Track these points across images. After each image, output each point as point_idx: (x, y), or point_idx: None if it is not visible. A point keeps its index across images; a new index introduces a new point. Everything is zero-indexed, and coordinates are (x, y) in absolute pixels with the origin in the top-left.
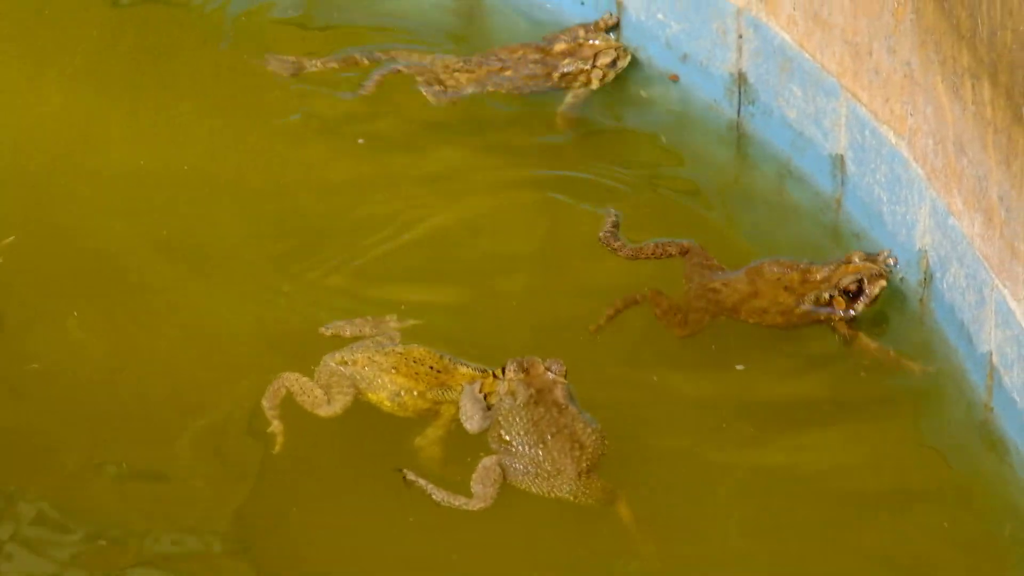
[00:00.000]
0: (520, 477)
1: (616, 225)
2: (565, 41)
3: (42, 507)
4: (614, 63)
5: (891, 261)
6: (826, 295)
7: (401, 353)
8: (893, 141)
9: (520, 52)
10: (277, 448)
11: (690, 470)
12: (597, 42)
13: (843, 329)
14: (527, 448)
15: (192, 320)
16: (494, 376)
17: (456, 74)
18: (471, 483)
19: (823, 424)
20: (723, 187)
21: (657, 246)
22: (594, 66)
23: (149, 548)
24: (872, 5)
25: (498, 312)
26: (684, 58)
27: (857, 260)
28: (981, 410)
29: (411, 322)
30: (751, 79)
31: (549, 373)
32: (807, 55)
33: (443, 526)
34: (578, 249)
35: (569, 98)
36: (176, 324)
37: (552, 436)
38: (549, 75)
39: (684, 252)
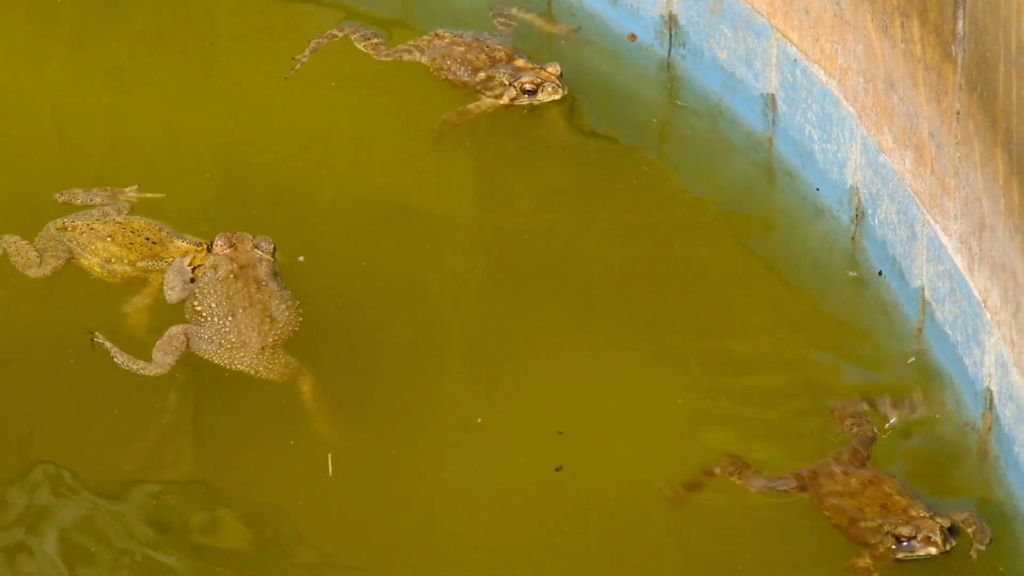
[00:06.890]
0: (204, 347)
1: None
2: (526, 60)
3: None
4: (534, 92)
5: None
6: (886, 528)
7: (121, 223)
8: (824, 80)
9: (488, 45)
10: None
11: (407, 360)
12: (550, 70)
13: (865, 562)
14: (216, 319)
15: None
16: (209, 250)
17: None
18: (153, 350)
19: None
20: (655, 128)
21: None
22: (512, 84)
23: None
24: None
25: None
26: (615, 2)
27: (939, 519)
28: (913, 343)
29: (150, 195)
30: (682, 21)
31: (256, 250)
32: None
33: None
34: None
35: (472, 104)
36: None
37: (243, 310)
38: (478, 71)
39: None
